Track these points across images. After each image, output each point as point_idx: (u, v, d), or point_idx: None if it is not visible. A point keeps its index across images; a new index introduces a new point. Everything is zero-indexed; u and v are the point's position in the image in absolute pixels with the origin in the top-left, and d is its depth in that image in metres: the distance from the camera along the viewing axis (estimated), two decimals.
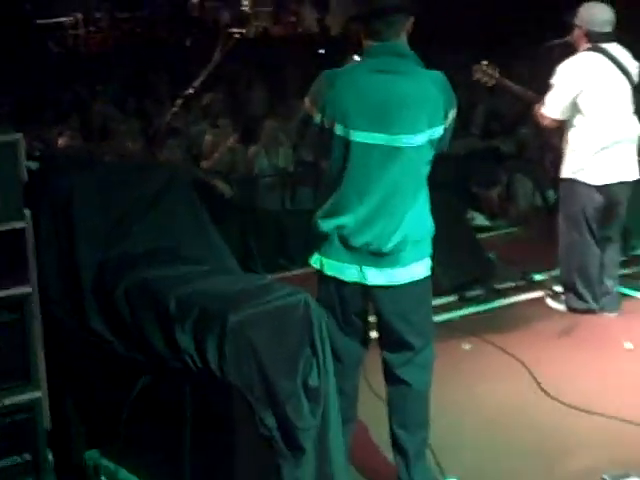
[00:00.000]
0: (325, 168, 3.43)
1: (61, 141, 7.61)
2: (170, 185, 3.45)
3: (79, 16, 16.35)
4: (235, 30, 11.66)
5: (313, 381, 2.87)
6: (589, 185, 5.26)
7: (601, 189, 5.27)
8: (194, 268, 3.19)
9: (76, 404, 3.34)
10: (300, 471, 2.90)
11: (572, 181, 5.31)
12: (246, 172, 7.77)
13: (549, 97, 5.20)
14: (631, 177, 5.35)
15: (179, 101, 4.66)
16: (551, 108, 5.20)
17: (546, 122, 5.31)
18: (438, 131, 3.21)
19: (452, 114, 3.26)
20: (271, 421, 2.78)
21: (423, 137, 3.16)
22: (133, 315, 3.04)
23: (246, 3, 18.07)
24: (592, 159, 5.22)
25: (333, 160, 3.23)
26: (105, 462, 3.26)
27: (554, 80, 5.20)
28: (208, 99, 8.43)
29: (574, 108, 5.18)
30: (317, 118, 3.19)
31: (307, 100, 3.26)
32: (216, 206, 6.80)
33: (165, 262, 3.27)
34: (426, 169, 3.25)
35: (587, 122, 5.19)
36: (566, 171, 5.35)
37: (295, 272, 6.74)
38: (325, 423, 2.94)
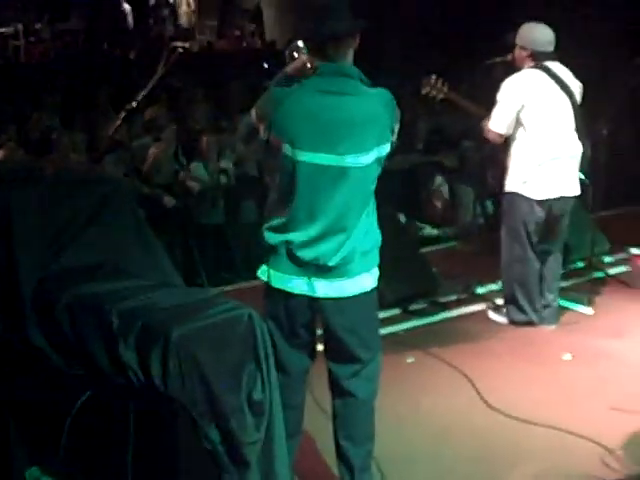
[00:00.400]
0: (269, 182, 3.42)
1: (0, 153, 7.47)
2: (112, 198, 3.42)
3: (19, 26, 16.11)
4: (179, 44, 11.60)
5: (257, 395, 2.86)
6: (530, 199, 5.35)
7: (542, 203, 5.36)
8: (137, 282, 3.16)
9: (17, 421, 3.27)
10: None
11: (514, 195, 5.40)
12: (189, 186, 7.72)
13: (495, 112, 5.28)
14: (571, 192, 5.46)
15: (122, 114, 4.61)
16: (497, 123, 5.29)
17: (492, 136, 5.38)
18: (385, 149, 3.24)
19: (396, 128, 3.30)
20: (215, 435, 2.77)
21: (371, 156, 3.18)
22: (75, 330, 3.00)
23: (184, 19, 18.00)
24: (533, 173, 5.32)
25: (282, 176, 3.22)
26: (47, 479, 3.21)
27: (499, 96, 5.29)
28: (151, 113, 8.37)
29: (517, 123, 5.27)
30: (265, 135, 3.18)
31: (254, 114, 3.24)
32: (160, 220, 6.77)
33: (107, 277, 3.24)
34: (374, 185, 3.27)
35: (529, 137, 5.29)
36: (509, 185, 5.44)
37: (240, 285, 6.75)
38: (270, 437, 2.93)
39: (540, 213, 5.38)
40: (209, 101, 8.98)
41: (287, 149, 3.13)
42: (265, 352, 2.90)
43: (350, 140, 3.13)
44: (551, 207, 5.40)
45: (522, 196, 5.35)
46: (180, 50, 5.46)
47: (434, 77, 5.58)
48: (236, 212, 7.88)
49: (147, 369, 2.72)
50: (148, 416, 2.79)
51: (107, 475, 2.98)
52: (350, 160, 3.14)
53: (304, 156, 3.12)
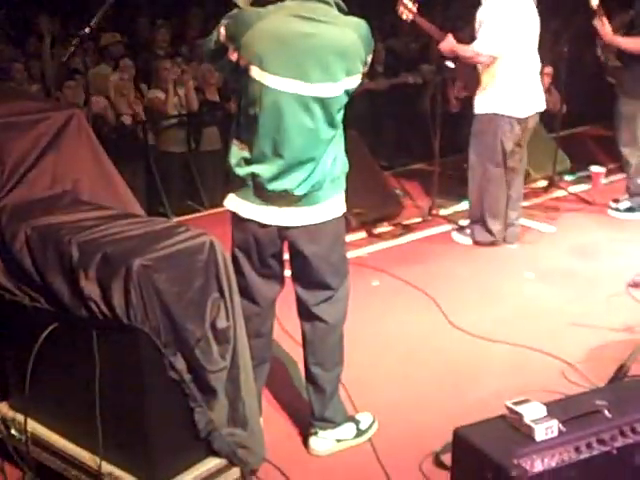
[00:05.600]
0: (234, 108, 3.34)
1: None
2: (68, 128, 3.33)
3: None
4: None
5: (221, 323, 2.85)
6: (512, 118, 5.36)
7: (521, 121, 5.39)
8: (96, 213, 3.10)
9: None
10: (213, 414, 2.90)
11: (493, 115, 5.38)
12: (150, 114, 7.61)
13: (484, 33, 5.22)
14: (542, 107, 5.51)
15: (75, 41, 4.48)
16: (489, 44, 5.23)
17: (481, 59, 5.32)
18: (355, 81, 3.15)
19: (369, 59, 3.21)
20: (181, 365, 2.76)
21: (340, 87, 3.10)
22: (35, 264, 2.95)
23: None
24: (516, 93, 5.33)
25: (246, 102, 3.12)
26: (13, 414, 3.21)
27: (486, 16, 5.22)
28: (107, 40, 8.17)
29: (504, 43, 5.24)
30: (234, 56, 3.05)
31: (223, 32, 3.08)
32: (122, 149, 6.67)
33: (66, 208, 3.18)
34: (341, 114, 3.20)
35: (512, 56, 5.28)
36: (486, 106, 5.41)
37: (204, 213, 6.73)
38: (235, 365, 2.94)
39: (518, 131, 5.40)
40: (168, 28, 8.78)
41: (255, 72, 3.03)
42: (228, 280, 2.88)
43: (320, 69, 3.04)
44: (527, 124, 5.43)
45: (503, 116, 5.35)
46: None
47: None
48: (198, 139, 7.79)
49: (109, 300, 2.69)
50: (113, 347, 2.78)
51: (75, 408, 2.99)
52: (318, 89, 3.05)
53: (272, 81, 3.02)
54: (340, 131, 3.24)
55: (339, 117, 3.18)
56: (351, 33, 3.09)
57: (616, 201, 6.40)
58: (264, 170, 3.13)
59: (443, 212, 6.36)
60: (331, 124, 3.14)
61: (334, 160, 3.21)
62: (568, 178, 7.19)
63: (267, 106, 3.06)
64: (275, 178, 3.13)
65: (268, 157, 3.12)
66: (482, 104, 5.42)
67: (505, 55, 5.28)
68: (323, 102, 3.08)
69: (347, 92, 3.15)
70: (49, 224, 2.98)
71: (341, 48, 3.06)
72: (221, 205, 3.33)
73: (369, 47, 3.19)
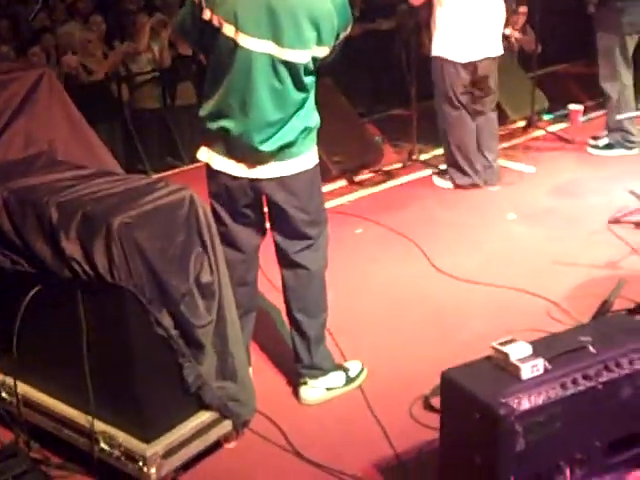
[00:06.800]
0: (205, 62, 3.31)
1: None
2: (39, 86, 3.28)
3: None
4: None
5: (205, 278, 2.86)
6: (455, 62, 5.36)
7: (466, 66, 5.39)
8: (73, 173, 3.08)
9: None
10: (202, 368, 2.91)
11: (440, 59, 5.42)
12: (124, 70, 7.50)
13: None
14: (495, 53, 5.49)
15: None
16: None
17: (414, 1, 5.34)
18: (323, 51, 3.14)
19: (343, 35, 3.20)
20: (167, 321, 2.77)
21: (309, 54, 3.08)
22: (14, 227, 2.94)
23: None
24: (458, 36, 5.30)
25: (216, 60, 3.13)
26: (3, 377, 3.22)
27: None
28: None
29: None
30: (206, 14, 3.05)
31: None
32: (98, 107, 6.59)
33: (43, 169, 3.16)
34: (311, 78, 3.18)
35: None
36: (435, 49, 5.44)
37: (183, 168, 6.68)
38: (222, 318, 2.95)
39: (465, 75, 5.42)
40: None
41: (229, 30, 3.03)
42: (209, 234, 2.88)
43: (293, 33, 3.03)
44: (476, 68, 5.43)
45: (447, 60, 5.37)
46: None
47: None
48: (173, 94, 7.71)
49: (92, 260, 2.68)
50: (99, 307, 2.78)
51: (64, 369, 2.99)
52: (288, 54, 3.05)
53: (244, 40, 3.02)
54: (311, 90, 3.22)
55: (308, 80, 3.17)
56: (327, 3, 3.08)
57: (595, 138, 6.40)
58: (233, 126, 3.14)
59: (423, 157, 6.35)
60: (300, 87, 3.14)
61: (304, 117, 3.20)
62: (546, 117, 7.17)
63: (236, 64, 3.07)
64: (244, 136, 3.14)
65: (236, 114, 3.13)
66: (432, 47, 5.45)
67: None
68: (291, 66, 3.08)
69: (315, 59, 3.14)
70: (26, 186, 2.96)
71: (315, 14, 3.05)
72: (200, 160, 3.33)
73: (344, 22, 3.18)
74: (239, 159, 3.20)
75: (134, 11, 8.02)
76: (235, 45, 3.05)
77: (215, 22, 3.05)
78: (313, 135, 3.30)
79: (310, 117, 3.25)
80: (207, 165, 3.29)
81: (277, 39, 3.03)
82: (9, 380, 3.16)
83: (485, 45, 5.42)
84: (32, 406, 3.14)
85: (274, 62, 3.06)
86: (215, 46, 3.10)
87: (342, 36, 3.21)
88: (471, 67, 5.43)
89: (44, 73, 3.34)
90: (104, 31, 7.65)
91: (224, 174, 3.24)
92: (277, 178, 3.23)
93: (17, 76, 3.29)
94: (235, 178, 3.24)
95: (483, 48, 5.41)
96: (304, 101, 3.19)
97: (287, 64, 3.07)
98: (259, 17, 3.01)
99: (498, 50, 5.51)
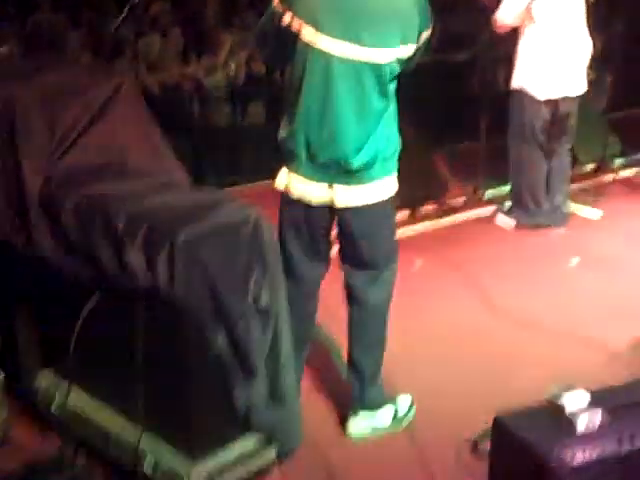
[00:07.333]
0: (281, 81, 3.31)
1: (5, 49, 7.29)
2: (118, 96, 3.32)
3: None
4: None
5: (264, 300, 2.85)
6: (535, 99, 5.26)
7: (547, 103, 5.29)
8: (143, 183, 3.10)
9: (26, 324, 3.28)
10: (252, 390, 2.90)
11: (520, 93, 5.31)
12: (197, 86, 7.59)
13: (504, 2, 5.14)
14: (576, 92, 5.37)
15: (125, 10, 4.48)
16: (504, 12, 5.15)
17: (499, 29, 5.26)
18: (408, 50, 3.09)
19: (426, 35, 3.15)
20: (222, 341, 2.76)
21: (391, 54, 3.04)
22: (82, 232, 2.97)
23: None
24: (540, 71, 5.21)
25: (293, 68, 3.09)
26: (58, 381, 3.24)
27: None
28: (157, 8, 8.15)
29: (528, 15, 5.13)
30: (286, 18, 3.01)
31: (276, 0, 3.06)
32: (167, 120, 6.66)
33: (114, 177, 3.18)
34: (393, 85, 3.14)
35: (538, 31, 5.16)
36: (515, 82, 5.34)
37: (246, 187, 6.71)
38: (276, 343, 2.93)
39: (545, 113, 5.31)
40: None
41: (308, 32, 2.99)
42: (272, 256, 2.87)
43: (372, 32, 2.98)
44: (557, 107, 5.32)
45: (528, 95, 5.26)
46: None
47: None
48: (243, 113, 7.77)
49: (154, 273, 2.69)
50: (157, 321, 2.79)
51: (117, 378, 3.00)
52: (369, 53, 2.99)
53: (324, 42, 2.98)
54: (394, 108, 3.18)
55: (391, 87, 3.12)
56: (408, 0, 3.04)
57: None
58: (313, 137, 3.09)
59: (489, 193, 6.27)
60: (383, 94, 3.08)
61: (387, 137, 3.16)
62: (618, 162, 7.04)
63: (316, 69, 3.02)
64: (324, 147, 3.09)
65: (316, 124, 3.07)
66: (513, 80, 5.35)
67: (529, 28, 5.15)
68: (375, 69, 3.02)
69: (400, 61, 3.08)
70: (97, 194, 2.99)
71: (395, 12, 3.01)
72: (262, 180, 3.30)
73: (426, 18, 3.13)
74: (319, 181, 3.15)
75: (215, 26, 8.11)
76: (314, 49, 3.00)
77: (295, 26, 3.01)
78: (393, 162, 3.24)
79: (392, 138, 3.18)
80: (284, 194, 3.22)
81: (359, 39, 2.98)
82: (64, 384, 3.15)
83: (569, 82, 5.31)
84: (81, 417, 3.13)
85: (355, 65, 3.01)
86: (293, 55, 3.07)
87: (424, 35, 3.14)
88: (552, 104, 5.31)
89: (123, 82, 3.37)
90: (182, 44, 7.76)
91: (302, 202, 3.19)
92: (356, 207, 3.18)
93: (97, 83, 3.34)
94: (313, 207, 3.19)
95: (567, 85, 5.31)
96: (385, 111, 3.12)
97: (370, 66, 3.02)
98: (340, 17, 2.98)
99: (581, 89, 5.38)
